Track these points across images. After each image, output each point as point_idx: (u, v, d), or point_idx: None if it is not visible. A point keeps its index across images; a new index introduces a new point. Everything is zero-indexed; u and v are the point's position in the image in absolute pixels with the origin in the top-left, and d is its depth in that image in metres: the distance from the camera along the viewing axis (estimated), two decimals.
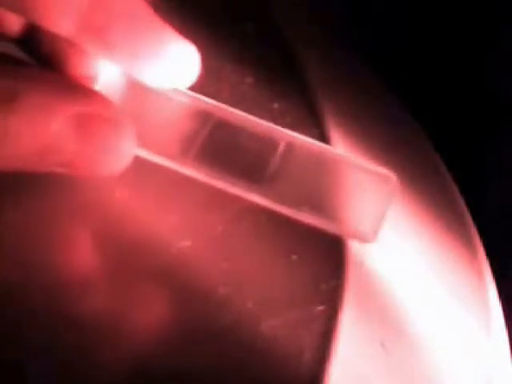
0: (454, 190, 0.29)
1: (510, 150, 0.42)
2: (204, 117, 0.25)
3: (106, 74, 0.25)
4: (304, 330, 0.23)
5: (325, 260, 0.25)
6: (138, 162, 0.25)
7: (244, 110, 0.26)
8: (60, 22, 0.22)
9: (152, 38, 0.24)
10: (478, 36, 0.42)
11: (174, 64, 0.24)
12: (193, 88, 0.25)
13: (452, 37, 0.42)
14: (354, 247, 0.25)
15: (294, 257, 0.24)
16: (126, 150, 0.23)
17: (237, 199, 0.25)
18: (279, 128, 0.25)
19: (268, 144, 0.25)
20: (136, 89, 0.25)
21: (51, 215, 0.24)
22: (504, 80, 0.41)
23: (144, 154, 0.25)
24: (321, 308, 0.23)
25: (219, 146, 0.25)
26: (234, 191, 0.24)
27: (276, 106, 0.27)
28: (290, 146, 0.25)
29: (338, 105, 0.30)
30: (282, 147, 0.25)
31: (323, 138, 0.28)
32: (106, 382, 0.21)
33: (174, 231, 0.24)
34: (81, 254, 0.24)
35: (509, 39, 0.41)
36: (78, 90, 0.23)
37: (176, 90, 0.25)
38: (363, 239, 0.23)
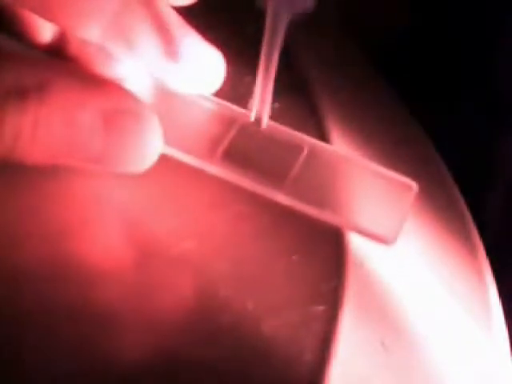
0: (454, 189, 0.29)
1: (510, 150, 0.42)
2: (229, 121, 0.26)
3: (133, 77, 0.25)
4: (304, 329, 0.23)
5: (325, 260, 0.25)
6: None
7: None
8: (89, 29, 0.22)
9: (178, 44, 0.24)
10: (479, 36, 0.42)
11: (199, 69, 0.24)
12: None
13: (452, 36, 0.42)
14: (354, 248, 0.25)
15: (295, 257, 0.24)
16: (152, 145, 0.23)
17: (238, 200, 0.25)
18: (303, 134, 0.26)
19: (292, 149, 0.25)
20: (162, 92, 0.26)
21: (55, 207, 0.24)
22: (505, 80, 0.41)
23: (171, 151, 0.25)
24: (321, 308, 0.23)
25: (245, 149, 0.25)
26: (257, 190, 0.24)
27: (276, 105, 0.27)
28: (313, 152, 0.25)
29: (337, 105, 0.30)
30: (305, 152, 0.25)
31: (323, 137, 0.28)
32: (107, 379, 0.21)
33: (176, 232, 0.24)
34: (79, 249, 0.24)
35: (509, 39, 0.41)
36: (106, 85, 0.23)
37: (201, 95, 0.26)
38: (383, 241, 0.24)
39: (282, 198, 0.24)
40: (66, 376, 0.21)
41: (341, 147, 0.28)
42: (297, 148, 0.25)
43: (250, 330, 0.22)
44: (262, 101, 0.24)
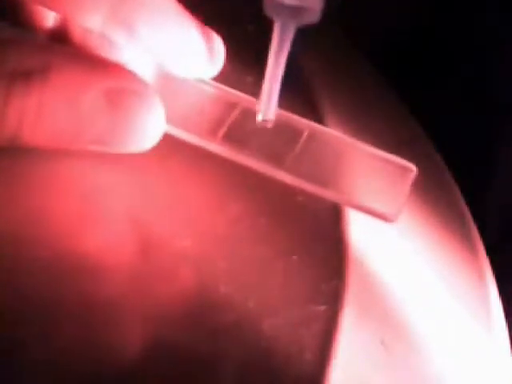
0: (454, 190, 0.29)
1: (510, 150, 0.42)
2: (231, 104, 0.26)
3: (135, 63, 0.25)
4: (305, 329, 0.22)
5: (325, 260, 0.25)
6: (138, 163, 0.25)
7: None
8: (90, 17, 0.23)
9: (178, 29, 0.24)
10: (479, 35, 0.42)
11: (199, 54, 0.25)
12: None
13: (452, 36, 0.42)
14: (354, 247, 0.25)
15: (295, 257, 0.24)
16: (155, 124, 0.23)
17: (239, 199, 0.25)
18: (303, 118, 0.26)
19: (292, 131, 0.26)
20: (164, 78, 0.26)
21: (51, 198, 0.24)
22: (504, 80, 0.41)
23: (173, 131, 0.25)
24: (321, 308, 0.23)
25: (246, 131, 0.26)
26: (259, 168, 0.25)
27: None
28: (314, 134, 0.26)
29: (338, 104, 0.30)
30: (305, 134, 0.26)
31: None
32: (106, 376, 0.21)
33: (176, 231, 0.24)
34: (77, 244, 0.24)
35: (509, 39, 0.41)
36: (109, 66, 0.24)
37: (201, 80, 0.26)
38: (385, 218, 0.24)
39: (283, 176, 0.25)
40: (65, 374, 0.21)
41: None
42: (297, 130, 0.26)
43: (250, 329, 0.22)
44: (268, 106, 0.25)
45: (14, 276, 0.22)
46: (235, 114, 0.26)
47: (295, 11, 0.22)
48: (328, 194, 0.24)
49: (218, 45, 0.25)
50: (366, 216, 0.24)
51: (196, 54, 0.25)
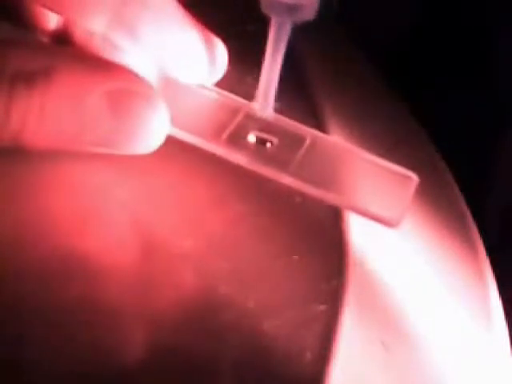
0: (454, 189, 0.29)
1: (510, 150, 0.42)
2: (233, 109, 0.26)
3: (137, 66, 0.25)
4: (305, 329, 0.22)
5: (325, 260, 0.25)
6: (139, 164, 0.25)
7: None
8: (94, 20, 0.23)
9: (181, 34, 0.24)
10: (479, 35, 0.42)
11: (201, 60, 0.25)
12: None
13: (452, 37, 0.42)
14: (354, 247, 0.25)
15: (295, 257, 0.24)
16: (159, 125, 0.24)
17: (239, 199, 0.25)
18: (306, 126, 0.26)
19: (295, 138, 0.26)
20: (167, 82, 0.26)
21: (52, 201, 0.24)
22: (505, 80, 0.41)
23: (177, 133, 0.25)
24: (321, 308, 0.23)
25: (249, 136, 0.26)
26: (262, 172, 0.25)
27: (276, 105, 0.27)
28: (316, 142, 0.26)
29: (338, 104, 0.30)
30: (308, 142, 0.26)
31: None
32: (106, 376, 0.21)
33: (176, 231, 0.24)
34: (77, 245, 0.24)
35: (509, 39, 0.41)
36: (112, 67, 0.24)
37: (204, 86, 0.26)
38: (387, 223, 0.24)
39: (287, 180, 0.25)
40: (65, 375, 0.21)
41: None
42: (299, 138, 0.26)
43: (250, 329, 0.22)
44: (266, 104, 0.25)
45: (15, 277, 0.22)
46: (238, 118, 0.26)
47: (291, 8, 0.22)
48: (331, 200, 0.25)
49: (221, 51, 0.25)
50: (369, 220, 0.24)
51: (198, 60, 0.25)
